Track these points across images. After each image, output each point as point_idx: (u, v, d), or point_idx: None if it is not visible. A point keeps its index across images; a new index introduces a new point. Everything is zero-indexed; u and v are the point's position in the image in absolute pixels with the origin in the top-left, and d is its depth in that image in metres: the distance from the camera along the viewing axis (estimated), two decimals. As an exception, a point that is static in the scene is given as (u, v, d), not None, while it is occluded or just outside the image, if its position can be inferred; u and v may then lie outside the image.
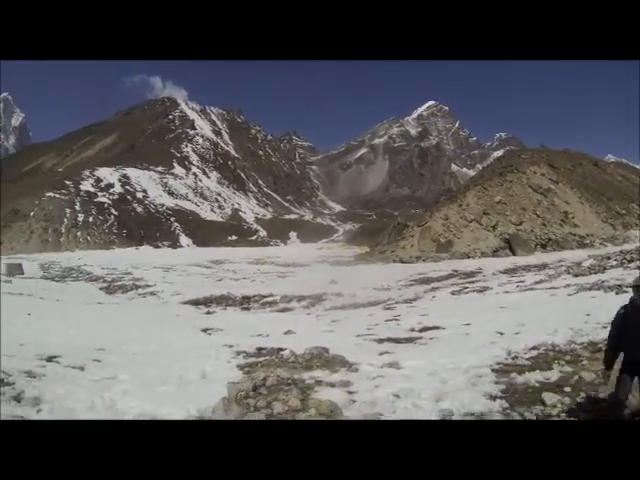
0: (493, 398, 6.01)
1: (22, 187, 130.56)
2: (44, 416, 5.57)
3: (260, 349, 9.78)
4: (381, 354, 8.63)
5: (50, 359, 8.03)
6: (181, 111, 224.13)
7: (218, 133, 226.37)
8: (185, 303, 20.89)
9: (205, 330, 12.94)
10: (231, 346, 10.06)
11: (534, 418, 5.30)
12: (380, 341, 10.30)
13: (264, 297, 21.29)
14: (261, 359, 8.82)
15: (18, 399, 6.02)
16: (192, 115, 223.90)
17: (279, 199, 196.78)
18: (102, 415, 5.75)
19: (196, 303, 20.64)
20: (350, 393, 6.46)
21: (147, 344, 10.20)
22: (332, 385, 6.81)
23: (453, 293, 18.72)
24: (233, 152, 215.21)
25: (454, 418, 5.46)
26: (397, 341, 10.21)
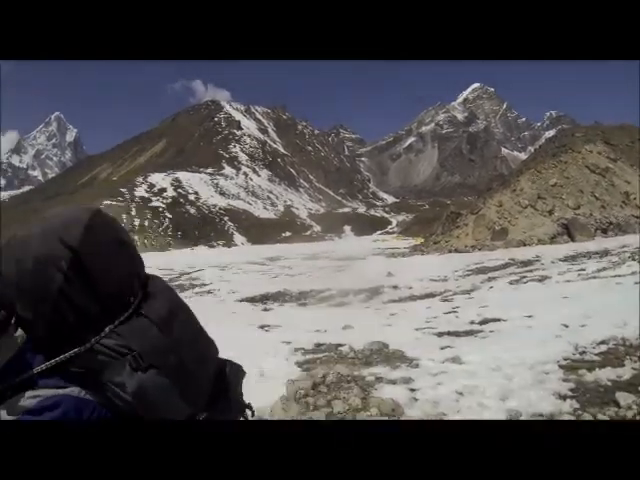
0: (562, 397, 5.55)
1: (81, 197, 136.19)
2: None
3: (318, 345, 9.58)
4: (442, 348, 8.29)
5: None
6: (226, 112, 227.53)
7: (265, 131, 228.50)
8: (242, 301, 20.88)
9: (262, 327, 12.91)
10: (289, 342, 9.92)
11: (607, 419, 4.88)
12: (440, 334, 9.93)
13: (321, 292, 21.02)
14: (320, 355, 8.64)
15: None
16: (237, 116, 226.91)
17: (331, 193, 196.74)
18: None
19: (253, 300, 20.58)
20: (412, 391, 6.20)
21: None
22: (393, 382, 6.54)
23: (511, 283, 17.90)
24: (282, 149, 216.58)
25: (522, 418, 5.14)
26: (457, 334, 9.79)
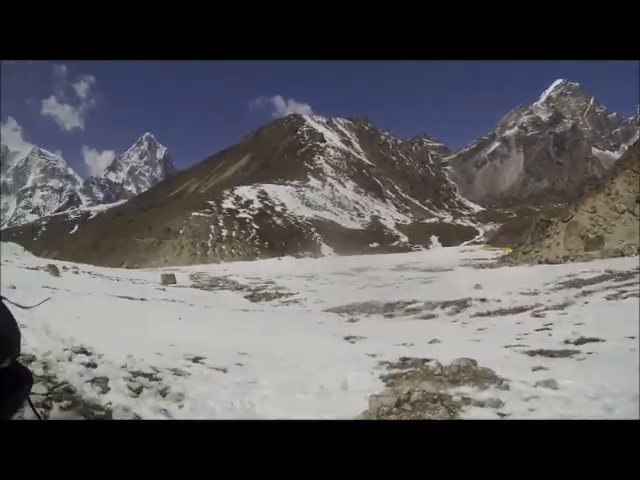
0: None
1: (171, 209, 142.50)
2: (185, 412, 5.98)
3: (404, 359, 9.27)
4: (534, 369, 7.73)
5: (196, 360, 8.62)
6: (308, 126, 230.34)
7: (348, 143, 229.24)
8: (328, 311, 20.95)
9: (348, 338, 12.78)
10: (374, 355, 9.75)
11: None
12: (532, 354, 9.36)
13: (408, 304, 20.59)
14: (405, 370, 8.34)
15: (163, 393, 6.60)
16: (319, 128, 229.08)
17: (417, 203, 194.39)
18: (240, 417, 6.00)
19: (339, 311, 20.54)
20: (501, 415, 5.83)
21: (289, 351, 10.33)
22: (481, 404, 6.17)
23: (609, 298, 16.40)
24: (366, 160, 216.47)
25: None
26: (551, 354, 9.16)
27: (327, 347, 11.24)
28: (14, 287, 17.02)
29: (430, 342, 11.39)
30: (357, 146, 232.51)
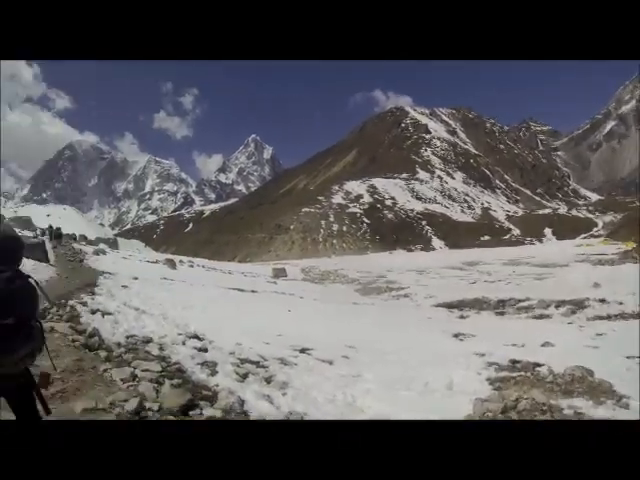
0: None
1: (281, 206, 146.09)
2: (287, 400, 6.10)
3: (514, 362, 8.76)
4: None
5: (303, 350, 8.93)
6: (411, 118, 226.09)
7: (453, 132, 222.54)
8: (438, 306, 20.65)
9: (457, 335, 12.52)
10: (483, 355, 9.40)
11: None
12: (659, 368, 8.14)
13: (519, 301, 19.76)
14: (514, 374, 7.81)
15: (268, 381, 6.90)
16: (423, 119, 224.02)
17: (529, 193, 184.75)
18: (341, 410, 5.99)
19: (449, 306, 20.20)
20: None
21: (396, 346, 10.28)
22: None
23: None
24: (473, 149, 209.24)
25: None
26: (683, 372, 7.84)
27: (435, 344, 11.04)
28: (136, 278, 18.34)
29: (542, 345, 10.78)
30: (463, 135, 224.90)
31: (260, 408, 5.75)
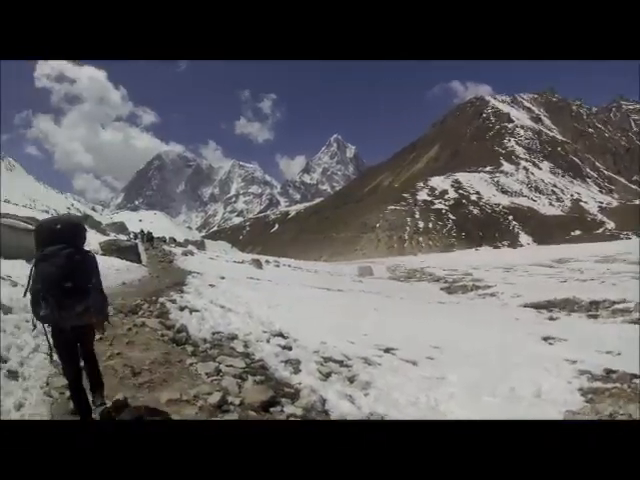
0: None
1: (367, 204, 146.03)
2: (369, 400, 5.98)
3: (609, 372, 7.93)
4: None
5: (387, 350, 8.76)
6: (492, 107, 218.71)
7: (537, 119, 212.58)
8: (525, 306, 19.73)
9: (546, 339, 11.74)
10: (574, 362, 8.62)
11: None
12: None
13: (615, 303, 18.22)
14: (609, 386, 7.11)
15: (351, 380, 6.79)
16: (504, 108, 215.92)
17: (624, 181, 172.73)
18: (423, 414, 5.79)
19: (537, 307, 19.21)
20: None
21: (482, 348, 9.86)
22: None
23: None
24: (559, 136, 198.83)
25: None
26: None
27: (523, 347, 10.44)
28: (223, 277, 18.86)
29: (642, 354, 9.74)
30: (547, 122, 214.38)
31: (341, 408, 5.68)
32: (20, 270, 11.57)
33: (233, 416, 5.15)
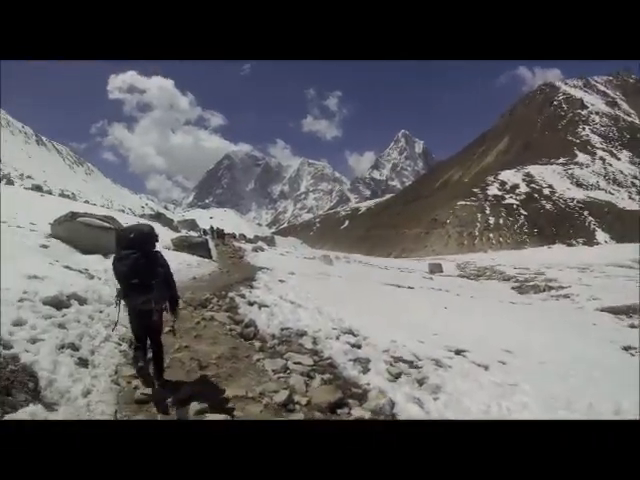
0: None
1: (437, 200, 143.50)
2: (438, 406, 5.70)
3: None
4: None
5: (458, 352, 8.37)
6: (564, 93, 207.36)
7: (613, 104, 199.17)
8: (603, 310, 18.36)
9: (627, 349, 10.88)
10: None
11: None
12: None
13: None
14: None
15: (420, 382, 6.52)
16: (576, 93, 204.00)
17: None
18: None
19: (616, 312, 17.69)
20: None
21: (557, 354, 9.26)
22: None
23: None
24: (638, 121, 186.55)
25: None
26: None
27: (601, 356, 9.67)
28: (293, 273, 18.92)
29: None
30: (625, 106, 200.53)
31: (409, 411, 5.46)
32: (96, 264, 12.07)
33: (298, 416, 5.06)
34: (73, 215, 15.00)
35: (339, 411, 5.29)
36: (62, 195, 60.83)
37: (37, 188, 52.60)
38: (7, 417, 3.75)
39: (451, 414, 5.46)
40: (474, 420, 5.23)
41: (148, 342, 5.61)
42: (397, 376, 6.64)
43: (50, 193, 51.07)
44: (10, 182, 48.59)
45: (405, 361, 7.33)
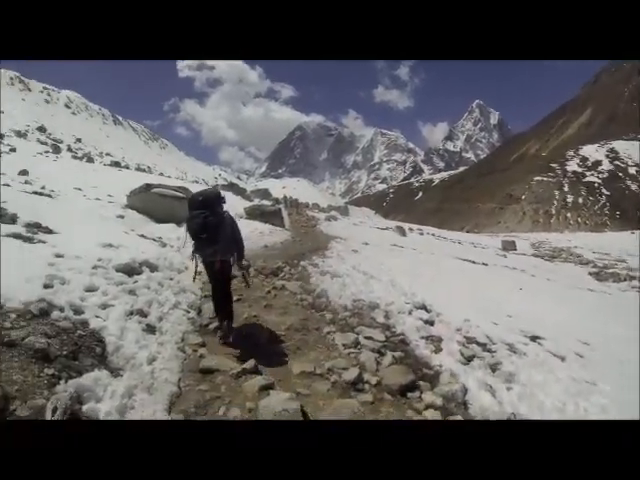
0: None
1: (512, 174, 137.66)
2: (511, 397, 5.23)
3: None
4: None
5: (534, 339, 7.71)
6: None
7: None
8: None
9: None
10: None
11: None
12: None
13: None
14: None
15: (494, 369, 6.07)
16: None
17: None
18: None
19: None
20: None
21: (638, 354, 8.13)
22: None
23: None
24: None
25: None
26: None
27: None
28: (366, 243, 18.76)
29: None
30: None
31: (482, 400, 5.11)
32: (169, 233, 12.37)
33: (367, 397, 4.86)
34: (148, 186, 15.62)
35: (409, 394, 5.07)
36: (138, 169, 63.64)
37: (116, 164, 55.44)
38: (71, 381, 3.83)
39: (525, 408, 5.01)
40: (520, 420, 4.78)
41: None
42: (470, 359, 6.25)
43: (127, 168, 53.16)
44: (90, 160, 51.24)
45: (479, 343, 6.88)
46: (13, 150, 37.10)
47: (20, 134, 68.90)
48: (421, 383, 5.34)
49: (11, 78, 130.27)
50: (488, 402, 5.07)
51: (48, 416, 3.26)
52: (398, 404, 4.86)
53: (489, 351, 6.65)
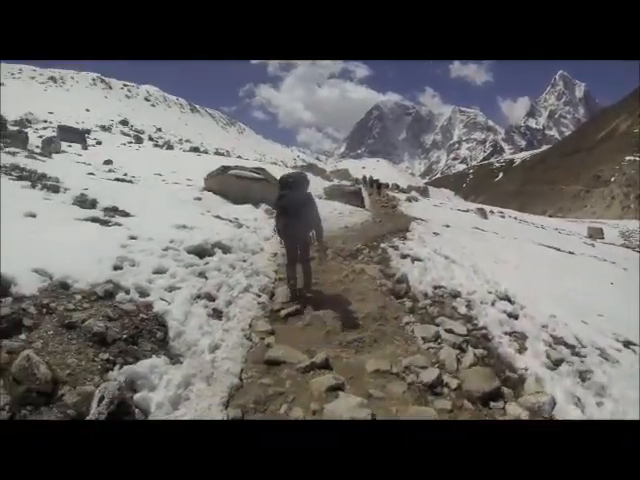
0: None
1: (600, 153, 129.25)
2: (603, 413, 4.30)
3: None
4: None
5: (627, 345, 6.48)
6: None
7: None
8: None
9: None
10: None
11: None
12: None
13: None
14: None
15: (583, 378, 5.00)
16: None
17: None
18: None
19: None
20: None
21: None
22: None
23: None
24: None
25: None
26: None
27: None
28: (448, 226, 18.03)
29: None
30: None
31: (570, 416, 4.24)
32: (246, 214, 12.19)
33: (445, 404, 4.30)
34: (224, 169, 15.76)
35: (492, 404, 4.35)
36: (217, 153, 66.18)
37: (195, 149, 58.06)
38: (125, 367, 3.66)
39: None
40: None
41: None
42: (557, 363, 5.27)
43: (206, 152, 55.09)
44: (170, 147, 53.77)
45: (567, 345, 5.88)
46: (99, 143, 39.40)
47: (105, 128, 73.63)
48: (505, 390, 4.62)
49: (93, 79, 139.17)
50: (577, 417, 4.24)
51: (94, 405, 3.10)
52: (479, 415, 4.23)
53: (578, 355, 5.64)
